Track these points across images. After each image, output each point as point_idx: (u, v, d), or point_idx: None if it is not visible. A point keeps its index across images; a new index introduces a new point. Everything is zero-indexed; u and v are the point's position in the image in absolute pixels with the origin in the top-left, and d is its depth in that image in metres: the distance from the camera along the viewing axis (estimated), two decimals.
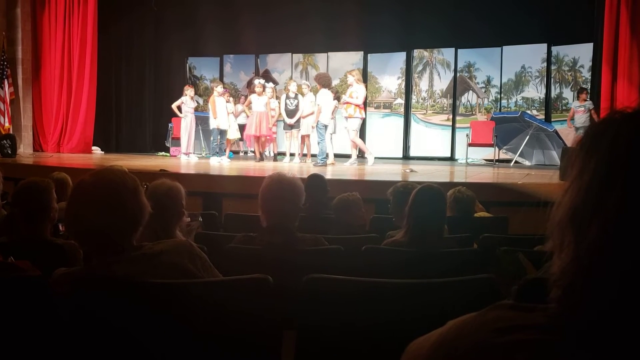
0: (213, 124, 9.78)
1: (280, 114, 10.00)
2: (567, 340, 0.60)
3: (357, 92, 8.69)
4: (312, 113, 9.36)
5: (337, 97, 9.53)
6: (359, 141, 9.12)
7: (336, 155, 9.37)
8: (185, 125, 10.18)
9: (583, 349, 0.59)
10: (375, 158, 9.07)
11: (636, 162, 0.59)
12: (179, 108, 10.23)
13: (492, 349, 0.61)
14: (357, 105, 8.67)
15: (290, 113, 9.59)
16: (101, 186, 1.67)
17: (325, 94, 9.06)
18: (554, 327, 0.61)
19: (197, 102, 11.00)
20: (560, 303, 0.62)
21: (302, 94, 9.66)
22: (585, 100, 9.40)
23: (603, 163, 0.61)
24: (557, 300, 0.62)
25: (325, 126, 8.92)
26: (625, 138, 0.60)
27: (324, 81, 9.22)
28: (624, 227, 0.58)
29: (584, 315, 0.60)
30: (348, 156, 9.17)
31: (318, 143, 8.96)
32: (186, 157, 10.16)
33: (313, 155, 9.87)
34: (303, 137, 9.83)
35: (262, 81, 10.10)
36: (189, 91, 10.30)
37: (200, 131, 10.96)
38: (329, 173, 7.40)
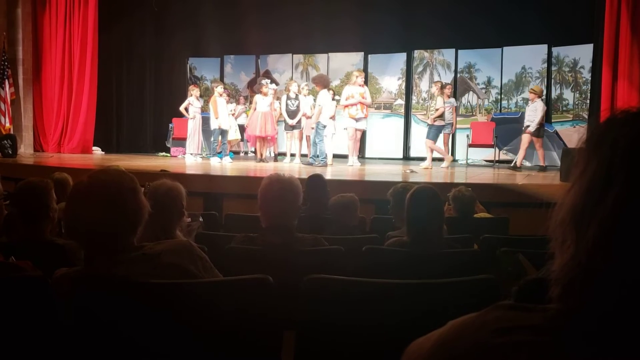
0: (214, 124, 9.72)
1: (280, 114, 10.00)
2: (565, 341, 0.60)
3: (366, 92, 8.79)
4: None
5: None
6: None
7: (335, 156, 9.37)
8: (194, 126, 10.05)
9: (581, 348, 0.59)
10: (375, 159, 9.10)
11: (636, 163, 0.59)
12: (186, 109, 10.12)
13: (492, 349, 0.62)
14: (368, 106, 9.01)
15: (292, 114, 9.59)
16: (99, 187, 1.66)
17: (325, 95, 9.07)
18: (553, 327, 0.61)
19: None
20: (560, 301, 0.63)
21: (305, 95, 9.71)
22: (450, 97, 9.59)
23: (604, 163, 0.61)
24: (556, 299, 0.63)
25: (325, 127, 8.93)
26: (626, 138, 0.61)
27: (322, 82, 9.23)
28: (622, 226, 0.58)
29: (582, 314, 0.60)
30: (348, 156, 9.16)
31: (318, 143, 8.96)
32: (194, 158, 9.96)
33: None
34: (307, 137, 9.88)
35: (269, 81, 10.10)
36: (194, 91, 10.21)
37: (201, 131, 10.95)
38: (329, 173, 7.40)
